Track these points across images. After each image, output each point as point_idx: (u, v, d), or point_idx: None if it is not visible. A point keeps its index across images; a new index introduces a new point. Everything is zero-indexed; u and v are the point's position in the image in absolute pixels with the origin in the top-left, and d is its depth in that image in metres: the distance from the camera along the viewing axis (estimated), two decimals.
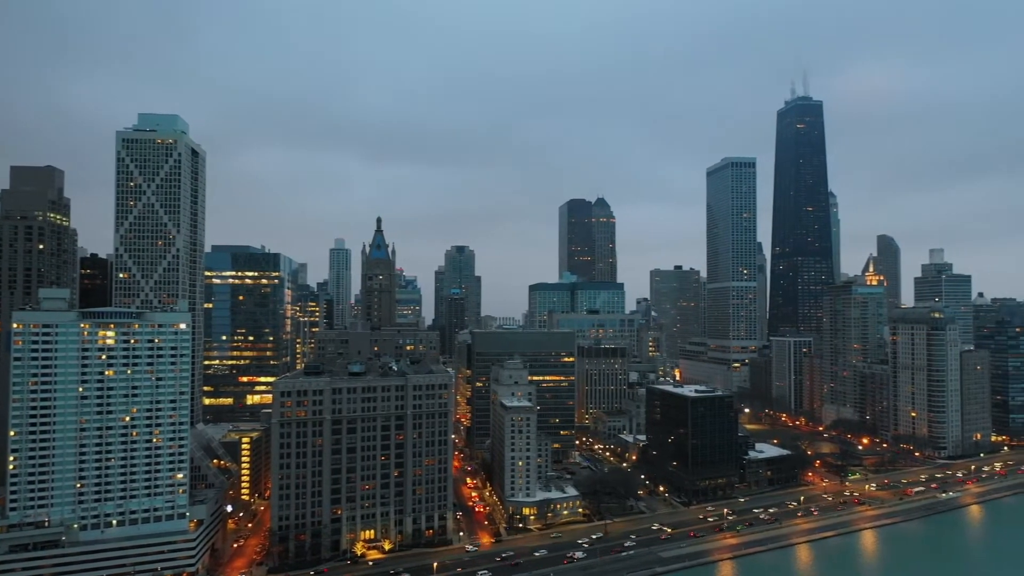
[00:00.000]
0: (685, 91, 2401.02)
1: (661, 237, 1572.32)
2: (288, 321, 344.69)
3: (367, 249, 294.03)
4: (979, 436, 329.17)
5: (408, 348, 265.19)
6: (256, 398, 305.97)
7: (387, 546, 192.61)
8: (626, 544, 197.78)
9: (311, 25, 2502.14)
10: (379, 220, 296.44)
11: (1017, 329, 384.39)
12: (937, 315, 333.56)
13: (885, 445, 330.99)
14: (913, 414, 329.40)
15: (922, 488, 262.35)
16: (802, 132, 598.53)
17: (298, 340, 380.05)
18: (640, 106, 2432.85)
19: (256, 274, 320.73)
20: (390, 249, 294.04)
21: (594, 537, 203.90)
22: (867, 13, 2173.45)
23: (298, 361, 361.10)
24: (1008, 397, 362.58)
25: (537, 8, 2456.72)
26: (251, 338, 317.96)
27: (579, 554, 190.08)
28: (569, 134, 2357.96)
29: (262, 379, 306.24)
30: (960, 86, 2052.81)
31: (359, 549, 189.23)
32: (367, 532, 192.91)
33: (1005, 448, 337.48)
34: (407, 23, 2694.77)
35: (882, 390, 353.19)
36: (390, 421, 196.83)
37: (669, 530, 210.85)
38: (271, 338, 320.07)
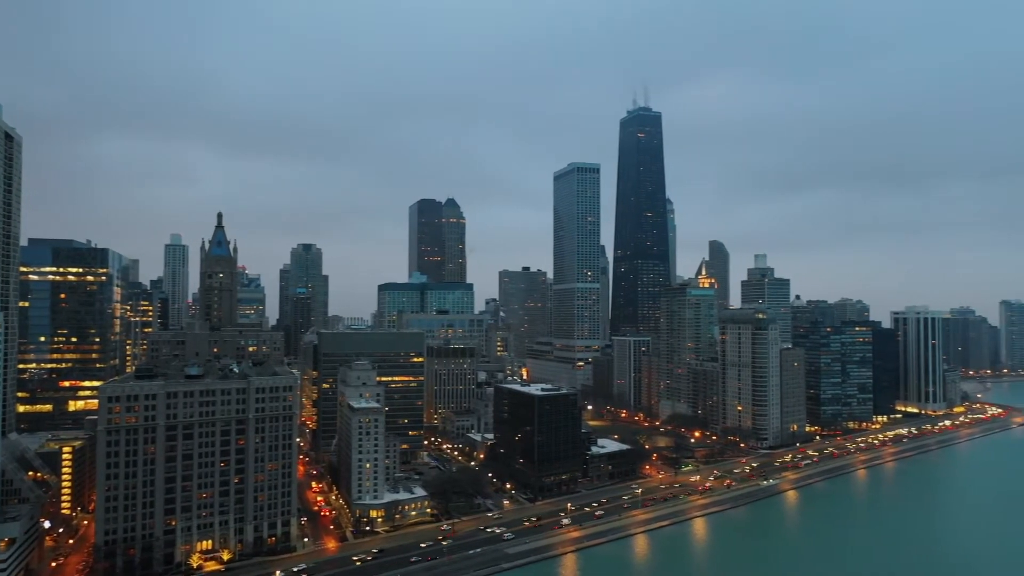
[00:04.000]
0: (544, 95, 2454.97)
1: (513, 238, 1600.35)
2: (117, 321, 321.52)
3: (207, 246, 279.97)
4: (795, 427, 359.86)
5: (251, 349, 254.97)
6: (80, 404, 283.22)
7: (226, 556, 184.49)
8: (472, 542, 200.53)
9: (171, 11, 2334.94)
10: (220, 216, 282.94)
11: (828, 329, 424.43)
12: (761, 316, 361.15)
13: (715, 437, 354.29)
14: (739, 408, 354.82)
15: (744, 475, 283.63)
16: (642, 141, 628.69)
17: (128, 341, 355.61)
18: (500, 109, 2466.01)
19: (80, 270, 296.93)
20: (232, 246, 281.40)
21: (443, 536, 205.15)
22: (709, 36, 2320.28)
23: (128, 364, 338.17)
24: (820, 391, 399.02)
25: (406, 7, 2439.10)
26: (74, 339, 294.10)
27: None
28: (425, 134, 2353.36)
29: (86, 383, 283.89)
30: (787, 108, 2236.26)
31: (195, 561, 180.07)
32: (204, 542, 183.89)
33: (817, 438, 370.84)
34: (273, 14, 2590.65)
35: (712, 386, 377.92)
36: (230, 426, 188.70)
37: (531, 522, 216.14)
38: (97, 339, 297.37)
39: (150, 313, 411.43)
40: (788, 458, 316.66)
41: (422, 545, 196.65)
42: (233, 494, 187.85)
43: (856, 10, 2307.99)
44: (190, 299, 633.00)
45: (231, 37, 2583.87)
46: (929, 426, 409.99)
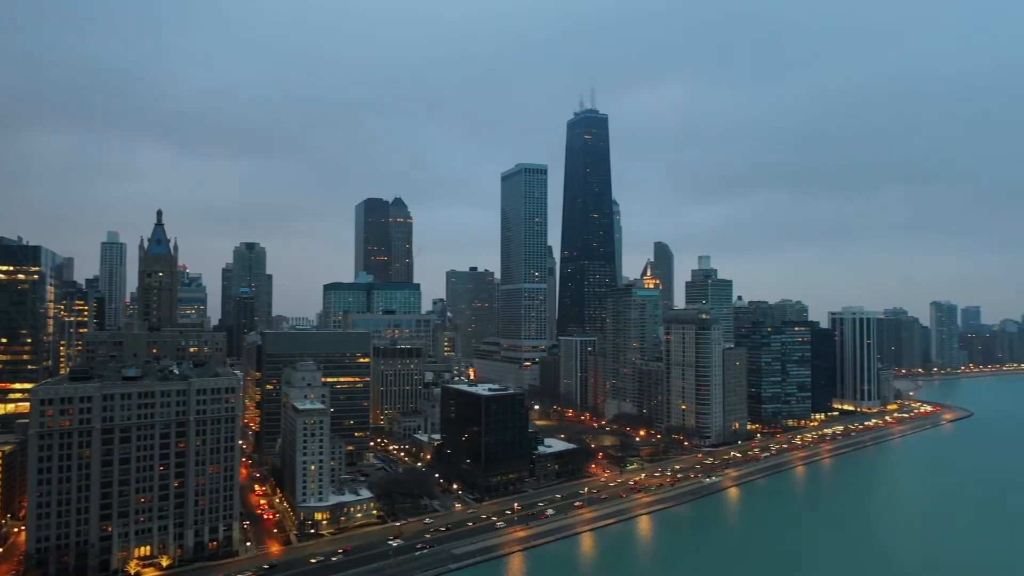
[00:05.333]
0: (494, 96, 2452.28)
1: (460, 238, 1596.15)
2: (50, 321, 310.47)
3: (145, 244, 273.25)
4: (737, 425, 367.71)
5: (191, 350, 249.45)
6: (10, 407, 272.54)
7: (165, 562, 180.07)
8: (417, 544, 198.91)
9: (111, 1, 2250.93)
10: (159, 213, 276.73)
11: (769, 329, 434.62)
12: (704, 316, 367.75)
13: (659, 436, 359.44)
14: (683, 407, 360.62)
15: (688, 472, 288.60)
16: (589, 143, 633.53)
17: (62, 343, 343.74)
18: (449, 108, 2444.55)
19: (10, 268, 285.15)
20: (172, 244, 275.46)
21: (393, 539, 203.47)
22: (657, 41, 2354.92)
23: (62, 366, 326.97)
24: (761, 390, 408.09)
25: (353, 5, 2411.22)
26: (3, 340, 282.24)
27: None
28: (373, 132, 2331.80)
29: (17, 386, 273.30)
30: (732, 112, 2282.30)
31: (132, 567, 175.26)
32: (142, 548, 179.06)
33: (758, 435, 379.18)
34: (218, 8, 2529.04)
35: (657, 385, 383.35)
36: (170, 428, 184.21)
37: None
38: (28, 340, 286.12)
39: (85, 313, 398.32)
40: (730, 455, 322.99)
41: (312, 561, 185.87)
42: (173, 498, 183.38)
43: (797, 19, 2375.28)
44: (128, 299, 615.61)
45: (174, 30, 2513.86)
46: (859, 424, 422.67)
